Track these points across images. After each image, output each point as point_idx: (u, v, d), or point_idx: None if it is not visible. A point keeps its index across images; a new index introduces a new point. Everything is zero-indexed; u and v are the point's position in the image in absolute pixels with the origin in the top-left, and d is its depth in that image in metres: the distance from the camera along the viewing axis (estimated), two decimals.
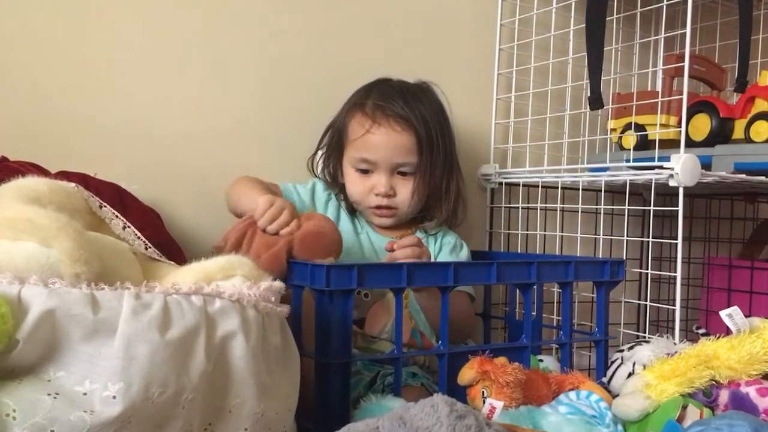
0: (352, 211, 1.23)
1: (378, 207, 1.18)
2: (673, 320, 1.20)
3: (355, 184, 1.19)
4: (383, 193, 1.17)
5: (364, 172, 1.18)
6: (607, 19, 1.27)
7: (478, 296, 1.35)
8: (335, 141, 1.21)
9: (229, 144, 1.25)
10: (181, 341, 0.59)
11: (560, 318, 1.14)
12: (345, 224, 1.21)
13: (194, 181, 1.21)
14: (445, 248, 1.23)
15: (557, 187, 1.42)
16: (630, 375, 0.99)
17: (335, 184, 1.23)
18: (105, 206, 0.74)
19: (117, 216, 0.74)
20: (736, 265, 1.54)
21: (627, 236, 1.31)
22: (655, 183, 1.21)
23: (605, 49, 1.28)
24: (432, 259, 1.20)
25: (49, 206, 0.64)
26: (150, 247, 0.75)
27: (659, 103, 1.28)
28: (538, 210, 1.44)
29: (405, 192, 1.17)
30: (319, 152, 1.25)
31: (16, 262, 0.58)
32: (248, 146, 1.26)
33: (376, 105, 1.16)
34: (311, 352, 0.90)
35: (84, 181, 0.76)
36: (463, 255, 1.23)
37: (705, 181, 1.20)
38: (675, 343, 1.06)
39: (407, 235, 1.22)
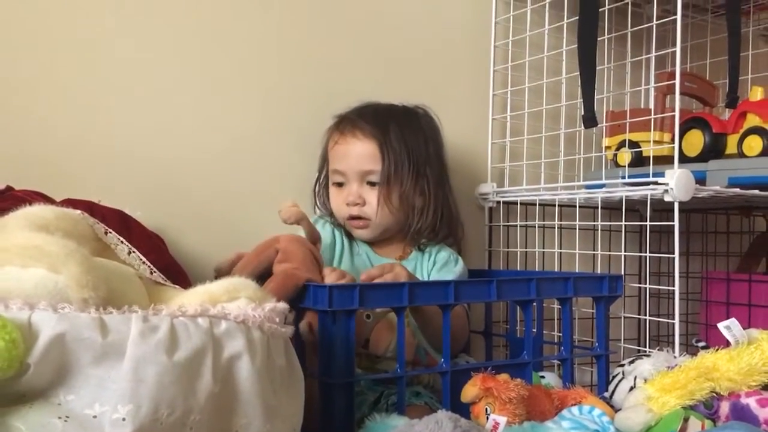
0: (349, 233, 1.25)
1: (351, 218, 1.21)
2: (673, 334, 1.21)
3: (334, 198, 1.23)
4: (352, 202, 1.20)
5: (340, 185, 1.22)
6: (599, 39, 1.30)
7: (479, 314, 1.36)
8: (321, 162, 1.27)
9: (229, 169, 1.26)
10: (189, 363, 0.60)
11: (561, 334, 1.15)
12: (346, 248, 1.23)
13: (196, 205, 1.22)
14: (437, 264, 1.24)
15: (554, 205, 1.43)
16: (631, 389, 0.99)
17: (327, 206, 1.26)
18: (110, 232, 0.76)
19: (122, 242, 0.76)
20: (734, 279, 1.55)
21: (625, 252, 1.32)
22: (650, 199, 1.22)
23: (598, 68, 1.30)
24: (426, 277, 1.22)
25: (57, 233, 0.66)
26: (155, 272, 0.77)
27: (651, 120, 1.29)
28: (536, 228, 1.45)
29: (373, 200, 1.19)
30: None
31: (25, 288, 0.59)
32: (247, 171, 1.28)
33: (348, 120, 1.22)
34: (315, 372, 0.90)
35: (89, 208, 0.78)
36: (457, 270, 1.24)
37: (700, 195, 1.22)
38: (675, 357, 1.07)
39: (406, 254, 1.24)
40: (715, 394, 0.93)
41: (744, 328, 1.00)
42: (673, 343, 1.20)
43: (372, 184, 1.20)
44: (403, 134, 1.20)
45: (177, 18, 1.23)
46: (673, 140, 1.23)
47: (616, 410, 0.96)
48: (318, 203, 1.28)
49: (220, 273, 0.98)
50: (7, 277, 0.60)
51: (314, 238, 1.06)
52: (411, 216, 1.21)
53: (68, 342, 0.56)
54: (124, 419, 0.56)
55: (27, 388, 0.57)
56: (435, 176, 1.23)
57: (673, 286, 1.20)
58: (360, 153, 1.19)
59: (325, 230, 1.23)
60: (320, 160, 1.27)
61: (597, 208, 1.36)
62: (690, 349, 1.16)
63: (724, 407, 0.92)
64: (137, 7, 1.19)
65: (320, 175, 1.28)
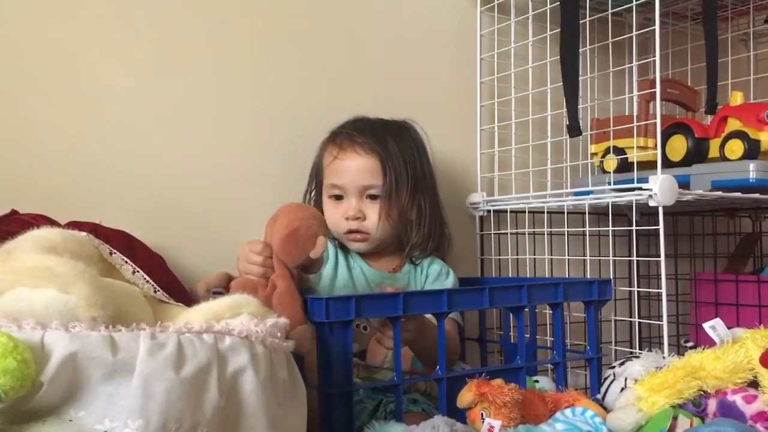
0: (343, 246, 1.27)
1: (350, 231, 1.22)
2: (663, 335, 1.24)
3: (329, 212, 1.23)
4: (352, 216, 1.21)
5: (337, 198, 1.23)
6: (582, 49, 1.33)
7: (473, 322, 1.39)
8: (315, 176, 1.28)
9: (226, 188, 1.29)
10: (195, 378, 0.62)
11: (553, 338, 1.18)
12: (341, 262, 1.25)
13: (194, 224, 1.24)
14: (431, 277, 1.26)
15: (543, 212, 1.46)
16: (622, 390, 1.02)
17: None
18: (115, 253, 0.78)
19: (126, 261, 0.78)
20: (722, 279, 1.58)
21: (614, 256, 1.36)
22: (636, 203, 1.25)
23: (582, 77, 1.33)
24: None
25: (65, 255, 0.68)
26: (158, 290, 0.79)
27: (635, 126, 1.33)
28: (527, 235, 1.48)
29: (373, 215, 1.21)
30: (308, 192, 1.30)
31: (36, 308, 0.62)
32: (244, 189, 1.30)
33: (345, 134, 1.23)
34: (314, 383, 0.93)
35: (94, 229, 0.80)
36: (449, 282, 1.27)
37: (684, 199, 1.25)
38: (664, 357, 1.10)
39: (398, 267, 1.26)
40: (702, 393, 0.96)
41: (732, 328, 1.04)
42: (663, 344, 1.23)
43: (372, 197, 1.21)
44: (400, 149, 1.22)
45: (171, 43, 1.25)
46: (656, 146, 1.26)
47: (609, 411, 0.99)
48: None
49: (198, 293, 0.98)
50: (18, 298, 0.62)
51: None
52: (409, 230, 1.24)
53: (80, 360, 0.59)
54: None
55: (40, 406, 0.59)
56: (428, 190, 1.26)
57: (661, 288, 1.23)
58: (361, 168, 1.21)
59: None
60: (312, 174, 1.28)
61: (585, 213, 1.39)
62: (682, 350, 1.18)
63: (712, 405, 0.95)
64: (133, 32, 1.22)
65: (310, 188, 1.29)
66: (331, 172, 1.23)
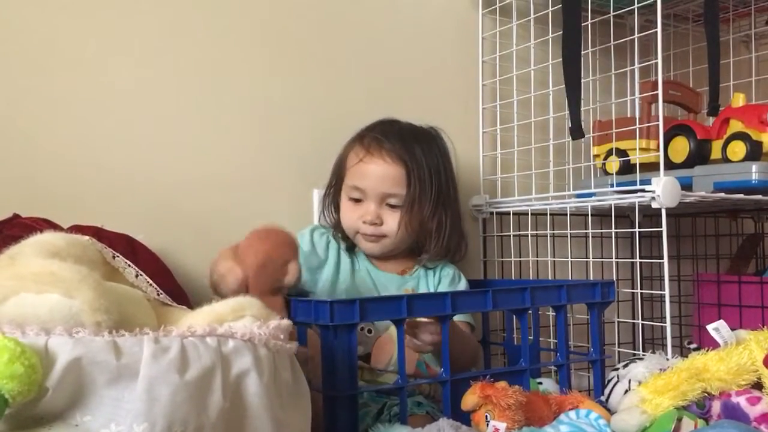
0: (350, 248, 1.27)
1: (365, 234, 1.22)
2: (666, 337, 1.23)
3: (347, 212, 1.23)
4: (369, 221, 1.21)
5: (356, 201, 1.22)
6: (584, 52, 1.33)
7: (477, 324, 1.39)
8: (336, 173, 1.27)
9: (228, 190, 1.29)
10: (199, 381, 0.62)
11: (557, 340, 1.17)
12: (344, 263, 1.25)
13: (196, 227, 1.25)
14: (444, 280, 1.27)
15: (546, 214, 1.46)
16: (626, 392, 1.02)
17: (334, 216, 1.27)
18: (118, 256, 0.78)
19: (129, 265, 0.78)
20: (725, 281, 1.58)
21: (616, 258, 1.36)
22: (639, 205, 1.25)
23: (584, 80, 1.33)
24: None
25: (68, 259, 0.68)
26: (161, 294, 0.79)
27: (637, 128, 1.33)
28: (529, 237, 1.48)
29: (392, 223, 1.21)
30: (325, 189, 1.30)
31: (40, 313, 0.62)
32: (246, 192, 1.30)
33: (373, 137, 1.22)
34: (319, 385, 0.93)
35: (96, 233, 0.80)
36: (461, 286, 1.27)
37: (686, 201, 1.25)
38: (667, 359, 1.10)
39: (408, 269, 1.27)
40: (706, 394, 0.96)
41: (734, 329, 1.04)
42: (666, 345, 1.23)
43: (392, 206, 1.21)
44: (427, 160, 1.21)
45: (173, 46, 1.26)
46: (658, 148, 1.26)
47: (612, 413, 0.99)
48: (324, 213, 1.29)
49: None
50: (23, 303, 0.62)
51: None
52: (428, 240, 1.24)
53: (84, 365, 0.59)
54: None
55: (45, 411, 0.59)
56: (450, 201, 1.25)
57: (664, 289, 1.23)
58: (385, 175, 1.20)
59: (320, 242, 1.25)
60: (334, 171, 1.27)
61: (588, 215, 1.39)
62: (685, 352, 1.18)
63: (716, 406, 0.95)
64: (134, 35, 1.22)
65: (330, 185, 1.28)
66: (355, 173, 1.22)
